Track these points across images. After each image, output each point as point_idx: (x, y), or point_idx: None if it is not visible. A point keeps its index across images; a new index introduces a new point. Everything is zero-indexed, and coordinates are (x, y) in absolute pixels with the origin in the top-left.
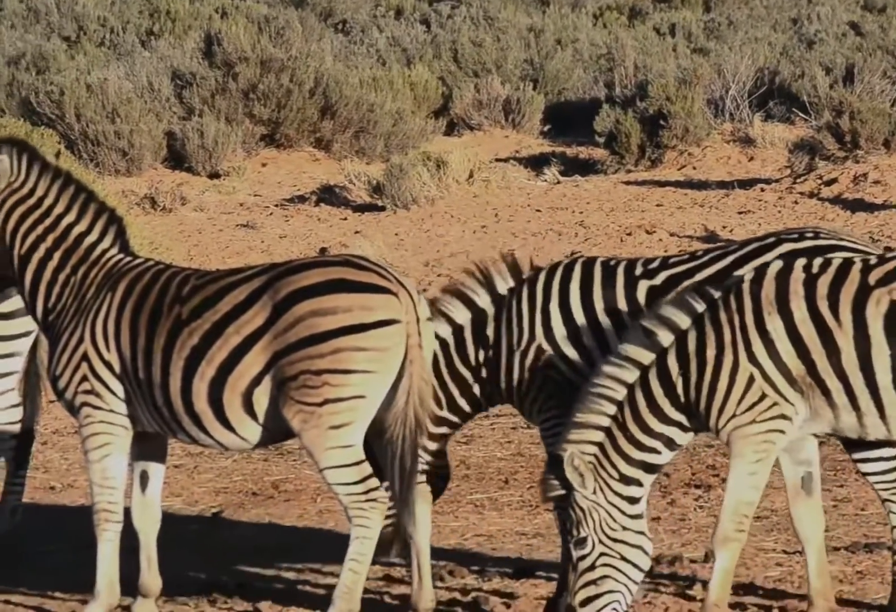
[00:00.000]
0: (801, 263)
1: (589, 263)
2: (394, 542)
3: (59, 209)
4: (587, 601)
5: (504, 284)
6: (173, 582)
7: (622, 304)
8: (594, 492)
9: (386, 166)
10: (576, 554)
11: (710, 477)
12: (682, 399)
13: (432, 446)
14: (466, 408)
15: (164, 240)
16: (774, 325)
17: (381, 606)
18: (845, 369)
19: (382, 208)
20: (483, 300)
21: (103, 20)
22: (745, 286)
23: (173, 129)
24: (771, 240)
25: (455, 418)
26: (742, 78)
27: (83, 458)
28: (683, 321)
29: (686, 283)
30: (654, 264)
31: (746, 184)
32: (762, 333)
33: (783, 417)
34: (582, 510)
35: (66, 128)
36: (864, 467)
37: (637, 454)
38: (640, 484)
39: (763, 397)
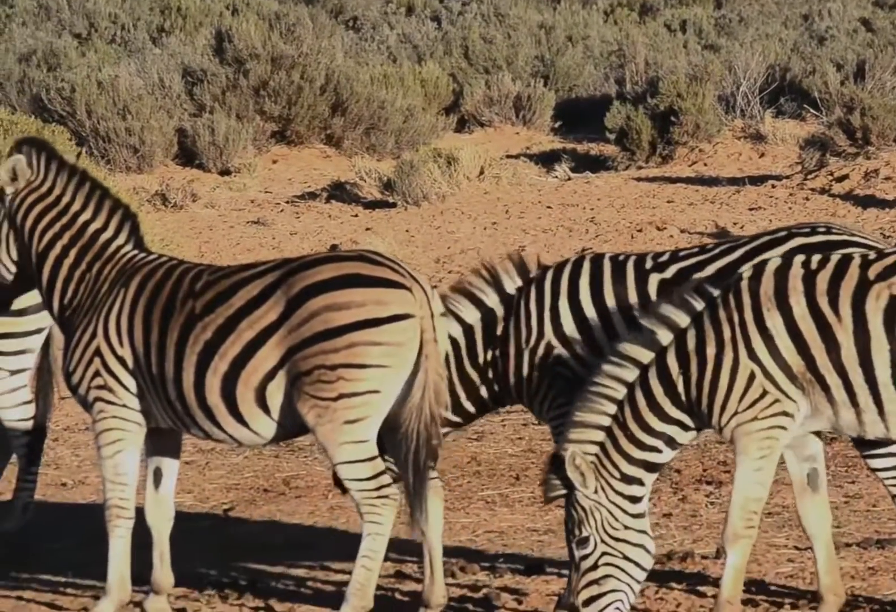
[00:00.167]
0: (799, 259)
1: (598, 259)
2: None
3: (75, 207)
4: (590, 601)
5: (512, 284)
6: (185, 578)
7: (633, 298)
8: (595, 491)
9: (397, 163)
10: (578, 554)
11: (721, 473)
12: (683, 398)
13: None
14: (471, 410)
15: (174, 237)
16: (774, 321)
17: (393, 602)
18: (845, 364)
19: (393, 205)
20: (491, 300)
21: (114, 17)
22: (744, 283)
23: (184, 125)
24: (782, 234)
25: (458, 419)
26: (753, 74)
27: (96, 454)
28: (682, 320)
29: (696, 276)
30: (665, 258)
31: (757, 180)
32: (762, 329)
33: (785, 413)
34: (583, 509)
35: (77, 125)
36: (875, 464)
37: (638, 453)
38: (641, 483)
39: (764, 393)
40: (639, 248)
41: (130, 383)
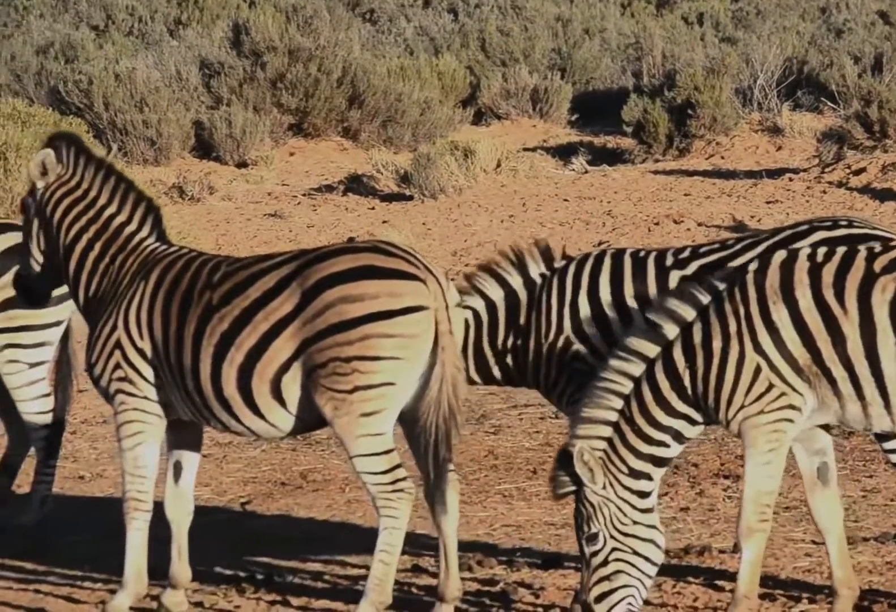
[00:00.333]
0: (805, 252)
1: (619, 255)
2: None
3: (102, 200)
4: (602, 597)
5: (536, 269)
6: (202, 572)
7: (653, 295)
8: (604, 487)
9: (413, 156)
10: (588, 550)
11: (738, 467)
12: (690, 392)
13: None
14: (478, 380)
15: (192, 229)
16: (780, 314)
17: (410, 596)
18: (851, 357)
19: (410, 198)
20: (515, 282)
21: (131, 9)
22: (750, 276)
23: (201, 118)
24: (803, 228)
25: None
26: (770, 67)
27: (115, 446)
28: (688, 313)
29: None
30: (685, 254)
31: (774, 173)
32: (768, 322)
33: (791, 406)
34: (592, 505)
35: (95, 117)
36: (894, 458)
37: (646, 448)
38: (649, 478)
39: (770, 387)
40: (656, 241)
41: (151, 374)
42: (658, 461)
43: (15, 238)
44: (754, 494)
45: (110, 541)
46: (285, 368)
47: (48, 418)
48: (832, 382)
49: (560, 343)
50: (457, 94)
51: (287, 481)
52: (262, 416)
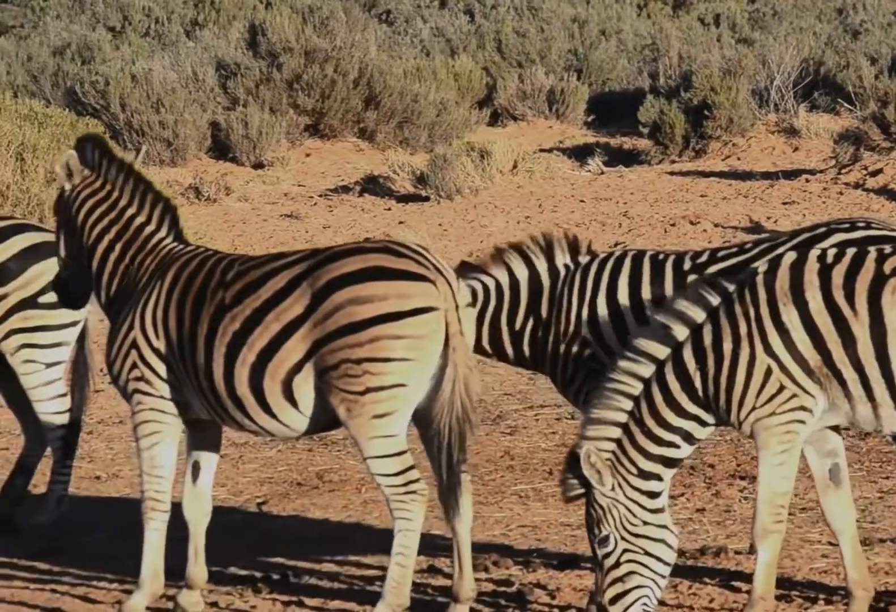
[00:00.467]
0: (815, 253)
1: (639, 257)
2: None
3: (123, 202)
4: (616, 599)
5: (562, 259)
6: (218, 572)
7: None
8: (612, 488)
9: (430, 157)
10: (600, 552)
11: (754, 468)
12: (700, 393)
13: None
14: (489, 351)
15: (208, 230)
16: (790, 316)
17: (425, 596)
18: (861, 358)
19: (426, 199)
20: (541, 265)
21: (148, 10)
22: (760, 278)
23: (217, 119)
24: (822, 230)
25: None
26: (787, 68)
27: (132, 446)
28: (698, 315)
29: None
30: (703, 258)
31: (791, 174)
32: (778, 324)
33: (803, 408)
34: (602, 507)
35: (111, 118)
36: None
37: (655, 449)
38: (659, 479)
39: (781, 388)
40: (672, 242)
41: (167, 374)
42: (668, 462)
43: (32, 238)
44: (769, 495)
45: (126, 541)
46: (297, 369)
47: (65, 419)
48: (842, 383)
49: (577, 343)
50: (473, 95)
51: (303, 481)
52: (274, 416)
